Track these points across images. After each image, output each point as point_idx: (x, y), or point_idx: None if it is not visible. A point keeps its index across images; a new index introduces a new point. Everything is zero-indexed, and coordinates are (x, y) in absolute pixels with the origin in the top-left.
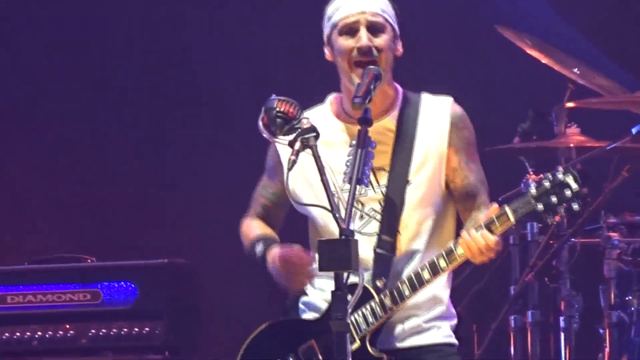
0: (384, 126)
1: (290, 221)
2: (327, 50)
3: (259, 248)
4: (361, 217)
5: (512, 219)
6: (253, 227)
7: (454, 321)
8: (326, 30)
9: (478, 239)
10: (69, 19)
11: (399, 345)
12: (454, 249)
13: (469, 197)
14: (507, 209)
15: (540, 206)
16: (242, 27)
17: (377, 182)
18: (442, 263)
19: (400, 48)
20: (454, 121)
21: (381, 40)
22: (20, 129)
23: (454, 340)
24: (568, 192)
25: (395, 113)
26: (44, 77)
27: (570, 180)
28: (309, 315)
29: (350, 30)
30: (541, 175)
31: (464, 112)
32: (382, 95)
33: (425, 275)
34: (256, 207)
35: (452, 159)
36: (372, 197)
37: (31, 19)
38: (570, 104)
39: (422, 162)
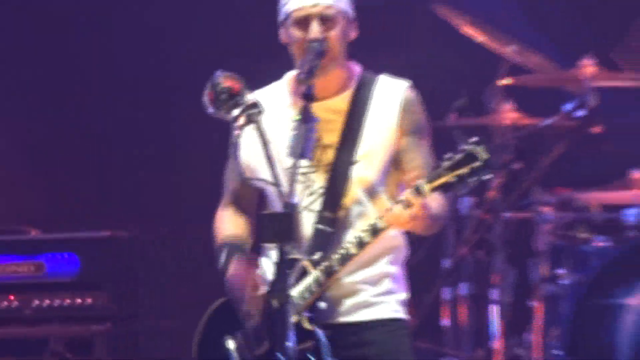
0: (336, 105)
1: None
2: (281, 33)
3: (222, 258)
4: (310, 194)
5: (427, 190)
6: (224, 225)
7: (404, 296)
8: (281, 16)
9: (396, 212)
10: None
11: (343, 319)
12: (376, 223)
13: (415, 179)
14: (421, 182)
15: (452, 178)
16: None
17: (327, 159)
18: (366, 237)
19: (354, 32)
20: (404, 104)
21: (332, 32)
22: None
23: (401, 315)
24: (477, 163)
25: (348, 93)
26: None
27: (479, 151)
28: (262, 289)
29: (303, 21)
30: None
31: (417, 96)
32: (335, 76)
33: (352, 250)
34: (227, 193)
35: (401, 141)
36: (321, 175)
37: None
38: (506, 81)
39: (369, 142)
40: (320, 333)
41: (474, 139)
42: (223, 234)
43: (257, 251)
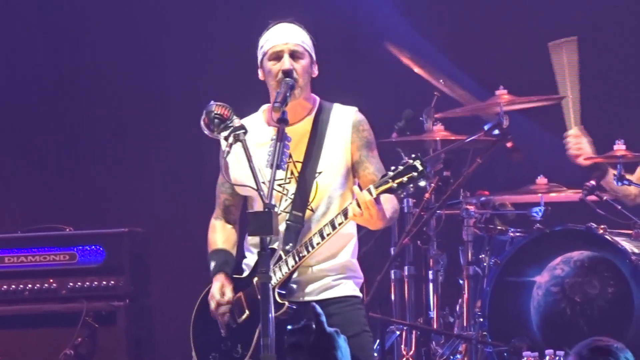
0: (302, 128)
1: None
2: (260, 72)
3: (211, 266)
4: (285, 200)
5: (374, 194)
6: (215, 235)
7: (360, 280)
8: (259, 57)
9: (360, 198)
10: None
11: (311, 298)
12: (334, 219)
13: (370, 183)
14: (371, 187)
15: (394, 185)
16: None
17: (297, 171)
18: (327, 230)
19: (316, 71)
20: (355, 125)
21: (300, 64)
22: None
23: (358, 293)
24: (414, 173)
25: (311, 118)
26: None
27: (417, 164)
28: (245, 274)
29: (277, 56)
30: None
31: (364, 118)
32: (300, 105)
33: (315, 239)
34: (219, 204)
35: (355, 154)
36: (293, 185)
37: None
38: (436, 115)
39: (329, 156)
40: (316, 306)
41: (414, 155)
42: (214, 245)
43: (241, 254)
